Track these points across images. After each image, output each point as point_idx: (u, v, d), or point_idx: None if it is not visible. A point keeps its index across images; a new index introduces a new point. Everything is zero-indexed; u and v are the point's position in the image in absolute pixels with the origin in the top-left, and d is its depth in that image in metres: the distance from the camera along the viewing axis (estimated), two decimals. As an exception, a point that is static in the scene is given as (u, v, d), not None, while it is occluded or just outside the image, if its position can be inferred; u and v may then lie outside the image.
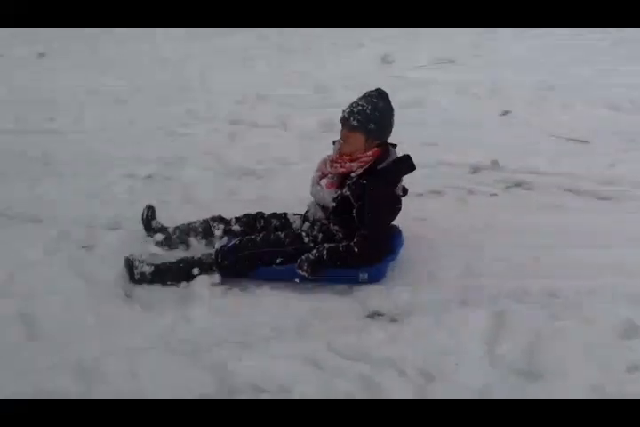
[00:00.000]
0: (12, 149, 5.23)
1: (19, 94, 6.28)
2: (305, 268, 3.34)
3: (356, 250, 3.33)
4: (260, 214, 3.73)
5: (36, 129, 5.63)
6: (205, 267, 3.44)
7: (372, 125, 3.35)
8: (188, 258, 3.50)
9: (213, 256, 3.45)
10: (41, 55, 7.41)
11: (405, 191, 3.51)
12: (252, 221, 3.70)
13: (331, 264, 3.36)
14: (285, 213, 3.72)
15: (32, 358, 2.83)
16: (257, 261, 3.43)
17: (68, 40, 8.08)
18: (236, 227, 3.68)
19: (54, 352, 2.85)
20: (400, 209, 3.50)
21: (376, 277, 3.47)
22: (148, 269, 3.44)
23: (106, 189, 4.56)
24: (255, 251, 3.43)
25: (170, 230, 3.73)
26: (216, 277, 3.41)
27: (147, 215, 3.81)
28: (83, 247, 3.76)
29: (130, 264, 3.46)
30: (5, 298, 3.26)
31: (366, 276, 3.44)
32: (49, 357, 2.83)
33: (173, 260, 3.49)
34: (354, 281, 3.44)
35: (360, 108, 3.35)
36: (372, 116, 3.35)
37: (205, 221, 3.71)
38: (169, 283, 3.43)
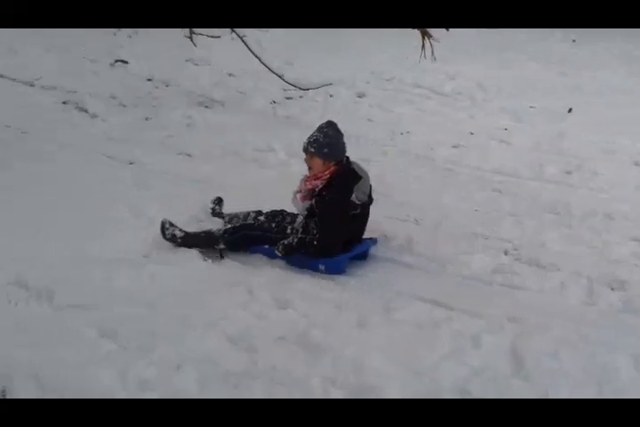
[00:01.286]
0: (538, 195, 5.59)
1: (545, 146, 6.57)
2: (280, 249, 4.34)
3: (315, 243, 4.25)
4: (282, 212, 4.68)
5: (555, 180, 5.85)
6: (215, 238, 4.47)
7: (325, 150, 4.27)
8: (207, 230, 4.57)
9: (221, 231, 4.48)
10: (569, 110, 7.64)
11: (370, 200, 4.46)
12: (273, 216, 4.64)
13: (298, 250, 4.31)
14: (298, 214, 4.55)
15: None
16: (249, 241, 4.47)
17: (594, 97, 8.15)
18: (261, 218, 4.63)
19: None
20: (356, 214, 4.33)
21: (333, 270, 4.32)
22: (178, 233, 4.52)
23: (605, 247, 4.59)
24: (250, 233, 4.48)
25: (224, 215, 4.89)
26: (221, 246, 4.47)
27: (214, 203, 5.03)
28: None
29: (162, 226, 4.56)
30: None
31: (323, 267, 4.33)
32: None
33: (199, 231, 4.61)
34: (316, 270, 4.32)
35: (315, 138, 4.33)
36: (324, 142, 4.29)
37: (247, 212, 4.74)
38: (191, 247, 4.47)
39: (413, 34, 4.92)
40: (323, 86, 5.94)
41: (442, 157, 6.41)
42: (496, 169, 6.09)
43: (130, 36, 10.17)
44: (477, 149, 6.61)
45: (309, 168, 4.43)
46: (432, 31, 4.83)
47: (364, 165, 4.51)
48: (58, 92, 7.69)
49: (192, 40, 4.04)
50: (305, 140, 4.40)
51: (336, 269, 4.34)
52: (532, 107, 7.67)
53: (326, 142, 4.31)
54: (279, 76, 3.85)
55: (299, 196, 4.45)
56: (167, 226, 4.60)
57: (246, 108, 7.76)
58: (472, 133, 7.01)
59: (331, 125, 4.41)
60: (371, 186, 4.50)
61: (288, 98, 8.00)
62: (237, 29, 3.91)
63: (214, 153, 6.40)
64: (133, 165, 6.03)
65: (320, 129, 4.41)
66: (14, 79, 7.96)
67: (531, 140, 6.74)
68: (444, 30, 4.71)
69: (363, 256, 4.54)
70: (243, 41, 3.78)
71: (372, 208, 5.19)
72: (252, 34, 9.54)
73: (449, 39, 5.90)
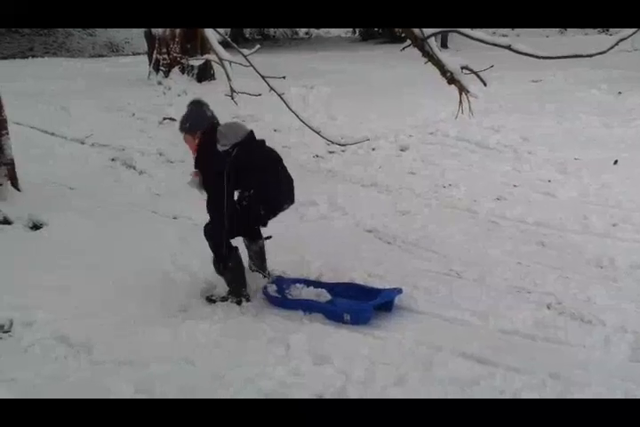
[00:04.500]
0: (583, 248, 5.48)
1: (591, 198, 6.47)
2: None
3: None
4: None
5: (600, 232, 5.73)
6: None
7: (186, 125, 4.57)
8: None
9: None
10: (615, 162, 7.54)
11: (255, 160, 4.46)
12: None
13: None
14: None
15: None
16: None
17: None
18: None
19: None
20: (229, 178, 4.35)
21: (357, 320, 4.27)
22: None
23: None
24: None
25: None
26: None
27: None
28: None
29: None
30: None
31: (349, 317, 4.28)
32: None
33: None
34: (340, 320, 4.29)
35: (180, 119, 4.66)
36: (185, 118, 4.61)
37: None
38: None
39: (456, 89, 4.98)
40: (360, 142, 5.99)
41: (485, 210, 6.37)
42: (540, 222, 6.01)
43: (179, 95, 10.46)
44: (521, 201, 6.55)
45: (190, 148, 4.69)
46: (471, 86, 4.85)
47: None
48: (107, 150, 7.92)
49: (233, 98, 4.13)
50: None
51: (361, 320, 4.31)
52: (576, 159, 7.59)
53: (186, 118, 4.62)
54: (316, 132, 3.92)
55: (193, 174, 4.67)
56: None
57: (290, 162, 7.80)
58: (516, 186, 6.96)
59: (192, 102, 4.73)
60: (251, 135, 4.61)
61: (331, 152, 8.09)
62: (276, 87, 3.99)
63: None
64: (177, 219, 6.13)
65: (186, 108, 4.71)
66: (65, 137, 8.24)
67: (576, 192, 6.65)
68: (482, 86, 4.72)
69: (387, 307, 4.50)
70: (281, 98, 3.87)
71: (414, 261, 5.23)
72: (297, 91, 9.79)
73: (490, 90, 5.93)
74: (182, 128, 4.66)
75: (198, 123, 4.60)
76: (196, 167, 4.62)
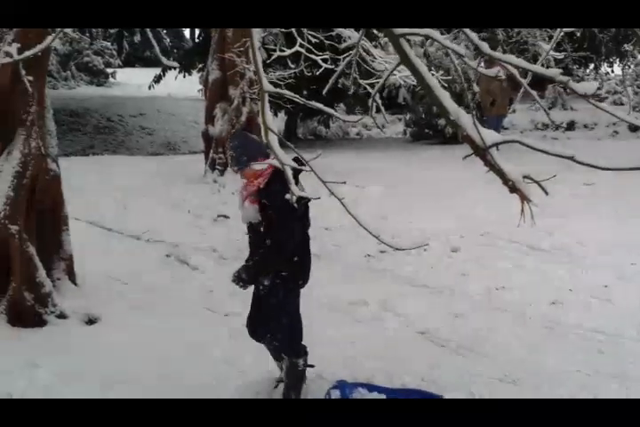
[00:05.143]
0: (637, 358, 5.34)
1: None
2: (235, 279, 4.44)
3: (268, 243, 4.30)
4: None
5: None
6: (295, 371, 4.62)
7: (244, 158, 4.31)
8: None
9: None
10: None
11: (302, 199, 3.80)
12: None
13: (259, 268, 4.43)
14: None
15: None
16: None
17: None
18: None
19: None
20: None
21: None
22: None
23: None
24: None
25: None
26: None
27: None
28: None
29: None
30: None
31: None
32: None
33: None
34: None
35: (230, 158, 4.44)
36: (237, 155, 4.34)
37: None
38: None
39: (505, 189, 5.02)
40: (417, 247, 6.05)
41: (540, 314, 6.26)
42: (598, 328, 5.87)
43: (233, 193, 10.71)
44: (577, 306, 6.42)
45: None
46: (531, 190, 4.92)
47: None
48: (162, 246, 8.07)
49: (292, 201, 4.21)
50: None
51: None
52: (633, 264, 7.47)
53: (239, 154, 4.36)
54: (376, 237, 3.89)
55: (247, 201, 4.37)
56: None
57: (341, 261, 7.89)
58: (571, 290, 6.84)
59: (233, 139, 4.66)
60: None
61: (382, 251, 8.10)
62: (333, 188, 4.06)
63: (309, 305, 6.44)
64: (230, 316, 6.14)
65: (229, 145, 4.62)
66: (122, 233, 8.45)
67: (633, 298, 6.51)
68: (542, 193, 4.77)
69: None
70: (341, 203, 3.91)
71: (467, 366, 5.13)
72: (349, 190, 9.94)
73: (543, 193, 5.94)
74: (240, 164, 4.35)
75: (254, 152, 4.33)
76: (264, 189, 4.28)
